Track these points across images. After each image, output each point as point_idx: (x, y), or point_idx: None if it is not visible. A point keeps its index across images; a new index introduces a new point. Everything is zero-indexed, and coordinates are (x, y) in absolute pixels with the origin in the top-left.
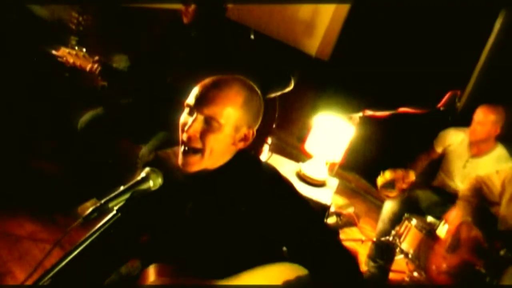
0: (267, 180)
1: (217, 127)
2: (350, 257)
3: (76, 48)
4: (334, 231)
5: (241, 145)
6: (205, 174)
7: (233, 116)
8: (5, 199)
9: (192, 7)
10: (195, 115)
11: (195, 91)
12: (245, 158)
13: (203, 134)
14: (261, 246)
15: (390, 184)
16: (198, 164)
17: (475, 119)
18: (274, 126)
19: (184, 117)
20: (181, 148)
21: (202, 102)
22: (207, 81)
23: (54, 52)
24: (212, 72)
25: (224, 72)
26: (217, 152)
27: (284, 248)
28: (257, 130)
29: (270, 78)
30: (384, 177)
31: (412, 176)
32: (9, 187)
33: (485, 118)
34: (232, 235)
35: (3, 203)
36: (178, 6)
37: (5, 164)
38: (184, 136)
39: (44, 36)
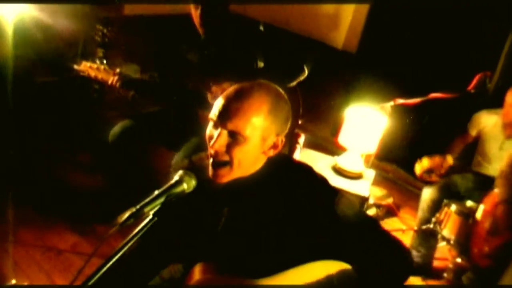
0: (300, 182)
1: (242, 140)
2: (397, 247)
3: (97, 61)
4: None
5: (271, 152)
6: (238, 182)
7: (258, 127)
8: (45, 213)
9: (198, 9)
10: (219, 129)
11: (217, 103)
12: (278, 162)
13: (229, 148)
14: (301, 247)
15: (428, 171)
16: (227, 176)
17: (506, 101)
18: (300, 122)
19: (210, 130)
20: (210, 160)
21: (224, 116)
22: (229, 92)
23: (75, 66)
24: (227, 73)
25: (238, 71)
26: (246, 163)
27: None
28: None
29: (284, 69)
30: (422, 165)
31: (450, 161)
32: (48, 201)
33: None
34: (271, 238)
35: (44, 217)
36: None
37: (42, 179)
38: (211, 150)
39: (71, 50)
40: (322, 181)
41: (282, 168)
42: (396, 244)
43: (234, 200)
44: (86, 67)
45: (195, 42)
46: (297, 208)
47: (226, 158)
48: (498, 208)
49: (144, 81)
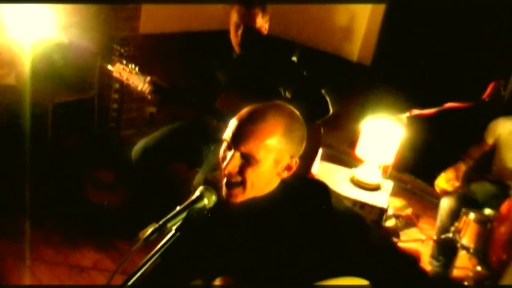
0: (314, 201)
1: (255, 162)
2: (411, 261)
3: (130, 66)
4: (392, 235)
5: (285, 174)
6: (253, 201)
7: (272, 149)
8: (67, 231)
9: (240, 29)
10: (232, 151)
11: (231, 125)
12: (292, 182)
13: (242, 169)
14: (317, 264)
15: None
16: (241, 196)
17: None
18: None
19: (223, 151)
20: (224, 181)
21: (237, 138)
22: (242, 114)
23: (109, 67)
24: (255, 95)
25: (265, 95)
26: (259, 184)
27: None
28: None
29: (309, 109)
30: (447, 176)
31: (462, 167)
32: (70, 219)
33: None
34: (286, 255)
35: (66, 235)
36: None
37: (64, 196)
38: (224, 171)
39: (89, 70)
40: (337, 200)
41: (296, 188)
42: (408, 260)
43: (249, 219)
44: (119, 68)
45: (225, 61)
46: (310, 226)
47: (239, 179)
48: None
49: (175, 91)
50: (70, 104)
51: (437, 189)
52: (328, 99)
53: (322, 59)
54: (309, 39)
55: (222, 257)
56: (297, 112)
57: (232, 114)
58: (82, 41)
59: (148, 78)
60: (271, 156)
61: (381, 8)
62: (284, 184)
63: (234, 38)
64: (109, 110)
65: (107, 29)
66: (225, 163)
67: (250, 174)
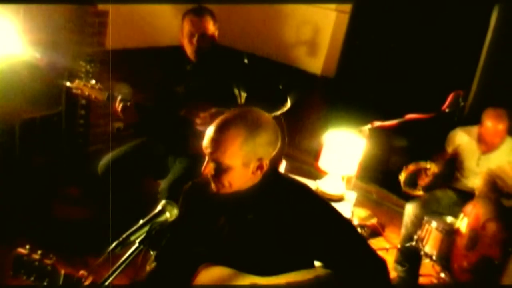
0: (296, 192)
1: (224, 168)
2: (380, 261)
3: (92, 81)
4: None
5: (258, 173)
6: (238, 194)
7: (236, 156)
8: (36, 246)
9: (194, 37)
10: (207, 158)
11: (205, 135)
12: (276, 177)
13: (216, 174)
14: (294, 253)
15: (413, 183)
16: (224, 191)
17: (485, 124)
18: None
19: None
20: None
21: (207, 148)
22: (214, 123)
23: (68, 84)
24: (213, 101)
25: (220, 102)
26: (236, 183)
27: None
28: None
29: (267, 100)
30: (407, 169)
31: (434, 168)
32: (39, 234)
33: (494, 129)
34: (267, 244)
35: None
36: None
37: (32, 213)
38: (204, 174)
39: (55, 87)
40: (316, 195)
41: (279, 182)
42: (375, 258)
43: (235, 210)
44: (79, 85)
45: (180, 74)
46: (291, 217)
47: (217, 180)
48: (487, 226)
49: (151, 108)
50: (38, 120)
51: (402, 174)
52: (284, 90)
53: (287, 73)
54: (275, 54)
55: (209, 247)
56: (265, 118)
57: (197, 120)
58: (49, 58)
59: (119, 98)
60: (238, 161)
61: (344, 22)
62: (267, 179)
63: (189, 47)
64: (76, 126)
65: (74, 45)
66: (203, 167)
67: (224, 177)
